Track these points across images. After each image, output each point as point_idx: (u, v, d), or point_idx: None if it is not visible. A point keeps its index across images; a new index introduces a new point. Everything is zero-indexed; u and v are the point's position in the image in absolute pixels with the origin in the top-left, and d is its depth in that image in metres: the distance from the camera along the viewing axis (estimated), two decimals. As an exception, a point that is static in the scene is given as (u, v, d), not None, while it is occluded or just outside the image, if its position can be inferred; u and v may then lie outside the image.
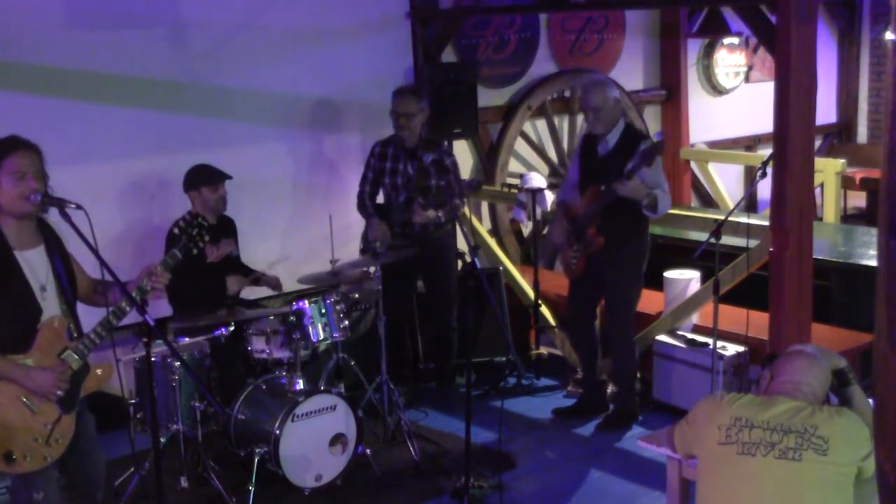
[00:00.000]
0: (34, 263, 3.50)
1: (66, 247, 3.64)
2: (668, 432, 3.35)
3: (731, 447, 2.93)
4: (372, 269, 5.80)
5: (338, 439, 4.90)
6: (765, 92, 8.02)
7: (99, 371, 3.66)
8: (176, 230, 3.80)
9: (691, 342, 5.71)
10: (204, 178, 5.30)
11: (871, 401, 3.16)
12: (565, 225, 5.52)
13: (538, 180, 6.38)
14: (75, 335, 3.59)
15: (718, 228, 5.04)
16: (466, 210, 6.55)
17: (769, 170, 5.06)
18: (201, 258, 5.34)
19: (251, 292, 5.70)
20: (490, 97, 7.33)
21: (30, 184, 3.43)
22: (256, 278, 5.56)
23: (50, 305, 3.52)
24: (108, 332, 3.55)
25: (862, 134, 9.73)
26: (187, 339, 4.96)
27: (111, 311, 3.53)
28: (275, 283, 5.57)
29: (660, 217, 5.38)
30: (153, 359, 4.24)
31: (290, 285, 5.76)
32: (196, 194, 5.31)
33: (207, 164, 5.37)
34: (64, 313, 3.56)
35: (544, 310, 6.44)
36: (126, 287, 3.51)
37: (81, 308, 3.70)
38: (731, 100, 8.90)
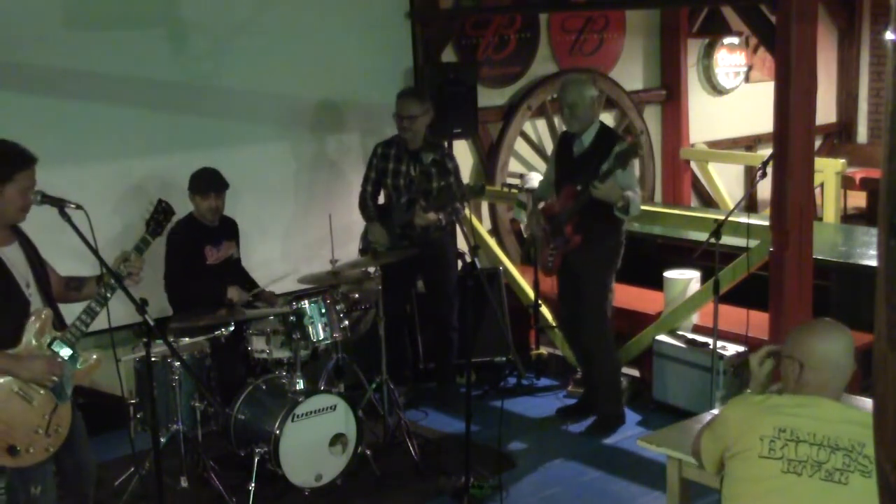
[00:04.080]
0: (13, 259, 3.57)
1: (35, 245, 3.71)
2: (695, 444, 3.06)
3: (775, 463, 2.69)
4: (372, 269, 5.80)
5: (338, 439, 4.90)
6: (765, 92, 8.02)
7: (90, 359, 3.71)
8: (152, 222, 3.85)
9: (691, 342, 5.70)
10: (196, 187, 5.33)
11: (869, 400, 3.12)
12: (542, 222, 5.54)
13: (538, 180, 6.37)
14: (59, 327, 3.66)
15: (718, 228, 5.04)
16: (467, 210, 6.55)
17: (769, 170, 5.07)
18: (202, 260, 5.35)
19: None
20: (490, 97, 7.33)
21: (29, 199, 3.54)
22: (255, 294, 5.57)
23: (35, 300, 3.59)
24: (92, 318, 3.64)
25: (862, 134, 9.74)
26: (187, 339, 4.95)
27: (94, 299, 3.63)
28: (270, 299, 5.56)
29: (630, 218, 5.39)
30: (153, 359, 4.24)
31: (290, 285, 5.76)
32: (190, 198, 5.34)
33: (209, 171, 5.34)
34: (46, 307, 3.62)
35: (544, 310, 6.44)
36: (103, 276, 3.63)
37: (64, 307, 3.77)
38: (731, 100, 8.90)
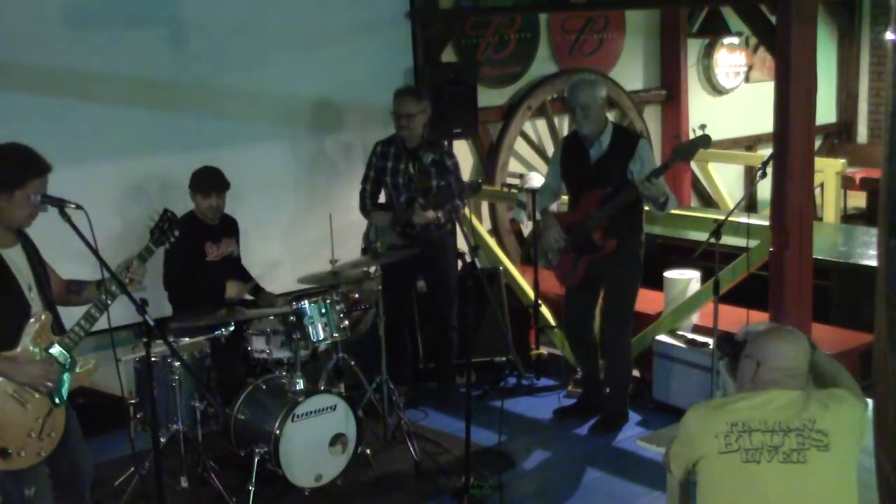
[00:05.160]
0: (16, 262, 3.57)
1: (37, 248, 3.70)
2: (665, 459, 3.20)
3: (734, 455, 2.82)
4: (372, 269, 5.79)
5: (338, 439, 4.90)
6: (765, 92, 8.02)
7: (87, 365, 3.71)
8: (156, 231, 3.85)
9: (691, 342, 5.70)
10: (197, 185, 5.34)
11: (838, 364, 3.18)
12: (562, 233, 5.49)
13: (538, 180, 6.38)
14: (58, 331, 3.65)
15: (718, 228, 5.04)
16: (466, 210, 6.54)
17: (769, 170, 5.07)
18: (201, 256, 5.36)
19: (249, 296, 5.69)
20: (490, 97, 7.33)
21: (37, 198, 3.53)
22: (255, 286, 5.56)
23: (36, 304, 3.58)
24: (91, 324, 3.63)
25: (862, 134, 9.75)
26: (187, 339, 4.96)
27: (94, 305, 3.63)
28: (270, 300, 5.56)
29: (663, 215, 5.36)
30: (153, 359, 4.24)
31: (290, 285, 5.76)
32: (191, 196, 5.34)
33: (211, 170, 5.35)
34: (45, 310, 3.61)
35: (544, 310, 6.44)
36: (107, 282, 3.60)
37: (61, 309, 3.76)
38: (731, 100, 8.91)
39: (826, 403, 2.84)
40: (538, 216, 5.81)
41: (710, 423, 2.87)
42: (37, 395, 3.53)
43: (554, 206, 5.77)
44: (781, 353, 2.92)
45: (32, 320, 3.54)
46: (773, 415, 2.83)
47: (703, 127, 5.15)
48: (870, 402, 3.04)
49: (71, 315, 3.74)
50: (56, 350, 3.58)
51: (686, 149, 5.21)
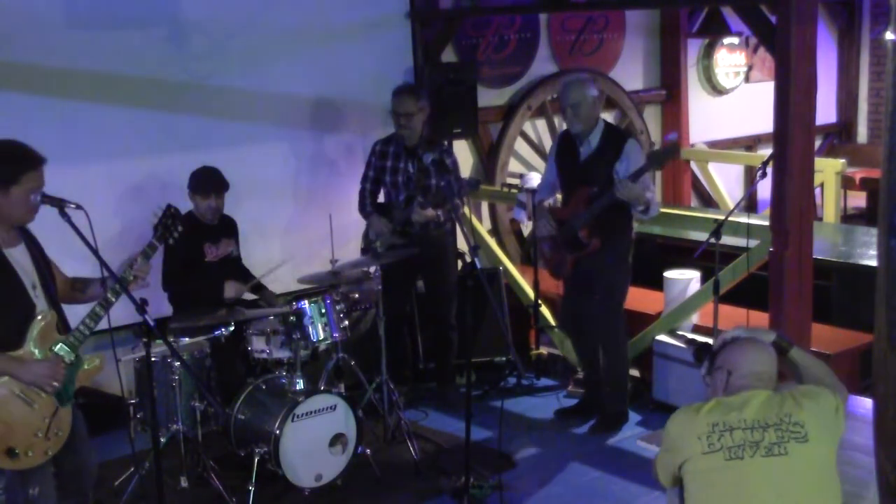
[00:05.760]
0: (20, 261, 3.56)
1: (42, 246, 3.69)
2: (653, 470, 3.25)
3: (717, 454, 2.89)
4: (372, 269, 5.80)
5: (338, 439, 4.90)
6: (765, 92, 8.02)
7: (93, 362, 3.71)
8: (160, 227, 3.84)
9: (691, 342, 5.70)
10: (196, 186, 5.34)
11: (812, 356, 3.24)
12: (553, 223, 5.50)
13: (538, 180, 6.38)
14: (62, 329, 3.64)
15: (718, 228, 5.04)
16: (466, 210, 6.55)
17: (769, 170, 5.07)
18: (200, 257, 5.36)
19: (250, 294, 5.69)
20: (490, 97, 7.34)
21: (37, 198, 3.52)
22: (255, 286, 5.56)
23: (40, 302, 3.58)
24: (95, 322, 3.63)
25: (862, 134, 9.75)
26: (187, 339, 4.96)
27: (98, 303, 3.62)
28: (270, 299, 5.56)
29: (649, 220, 5.37)
30: (153, 359, 4.24)
31: (290, 285, 5.76)
32: (190, 197, 5.35)
33: (210, 171, 5.36)
34: (50, 309, 3.61)
35: (544, 310, 6.44)
36: (109, 280, 3.60)
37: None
38: (731, 100, 8.91)
39: (799, 400, 2.95)
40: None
41: (692, 426, 2.96)
42: (43, 395, 3.53)
43: (550, 201, 5.78)
44: (750, 359, 3.06)
45: (38, 319, 3.54)
46: (751, 413, 2.93)
47: (673, 137, 5.22)
48: (868, 400, 3.05)
49: (76, 313, 3.73)
50: (61, 348, 3.58)
51: (658, 157, 5.27)
